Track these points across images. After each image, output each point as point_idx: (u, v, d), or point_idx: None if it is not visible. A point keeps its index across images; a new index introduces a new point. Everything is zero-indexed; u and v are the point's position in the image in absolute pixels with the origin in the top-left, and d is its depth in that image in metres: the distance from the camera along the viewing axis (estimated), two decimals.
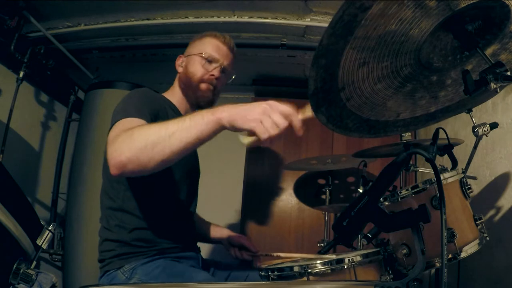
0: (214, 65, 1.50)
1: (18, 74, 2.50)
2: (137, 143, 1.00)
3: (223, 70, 1.52)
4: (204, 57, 1.49)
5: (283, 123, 0.95)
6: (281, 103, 0.98)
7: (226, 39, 1.54)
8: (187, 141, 1.00)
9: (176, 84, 1.56)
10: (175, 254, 1.37)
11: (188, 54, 1.54)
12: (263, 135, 0.94)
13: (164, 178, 1.37)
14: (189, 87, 1.50)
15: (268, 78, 3.32)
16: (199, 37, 1.57)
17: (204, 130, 1.00)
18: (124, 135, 1.05)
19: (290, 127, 0.97)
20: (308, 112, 1.00)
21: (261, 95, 3.45)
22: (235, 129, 0.99)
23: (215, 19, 2.52)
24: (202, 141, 1.01)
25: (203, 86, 1.49)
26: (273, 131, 0.94)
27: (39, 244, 1.08)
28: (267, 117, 0.95)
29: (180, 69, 1.56)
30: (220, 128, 1.00)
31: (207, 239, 1.72)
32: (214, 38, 1.53)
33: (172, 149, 1.00)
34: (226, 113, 0.99)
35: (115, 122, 1.18)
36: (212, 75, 1.49)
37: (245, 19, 2.51)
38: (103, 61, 3.04)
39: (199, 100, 1.50)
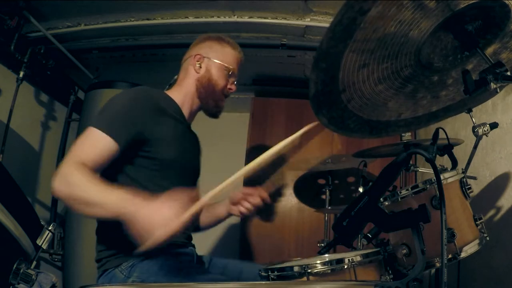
0: (232, 78, 1.54)
1: (18, 74, 2.50)
2: (69, 190, 1.08)
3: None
4: (229, 68, 1.51)
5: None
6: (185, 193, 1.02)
7: (242, 55, 1.57)
8: (105, 216, 1.07)
9: (190, 83, 1.51)
10: (172, 251, 1.37)
11: (209, 56, 1.51)
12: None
13: (162, 179, 1.36)
14: (210, 94, 1.50)
15: (268, 78, 3.32)
16: (216, 39, 1.56)
17: (119, 215, 1.03)
18: (68, 171, 1.10)
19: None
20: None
21: (261, 95, 3.45)
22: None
23: (215, 19, 2.52)
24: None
25: (222, 97, 1.53)
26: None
27: (39, 244, 1.09)
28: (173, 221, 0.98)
29: (199, 70, 1.50)
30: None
31: (209, 222, 1.64)
32: (235, 51, 1.55)
33: (92, 214, 1.10)
34: (130, 213, 1.01)
35: (90, 125, 1.21)
36: (230, 89, 1.53)
37: (245, 19, 2.51)
38: (103, 61, 3.04)
39: (216, 109, 1.53)
